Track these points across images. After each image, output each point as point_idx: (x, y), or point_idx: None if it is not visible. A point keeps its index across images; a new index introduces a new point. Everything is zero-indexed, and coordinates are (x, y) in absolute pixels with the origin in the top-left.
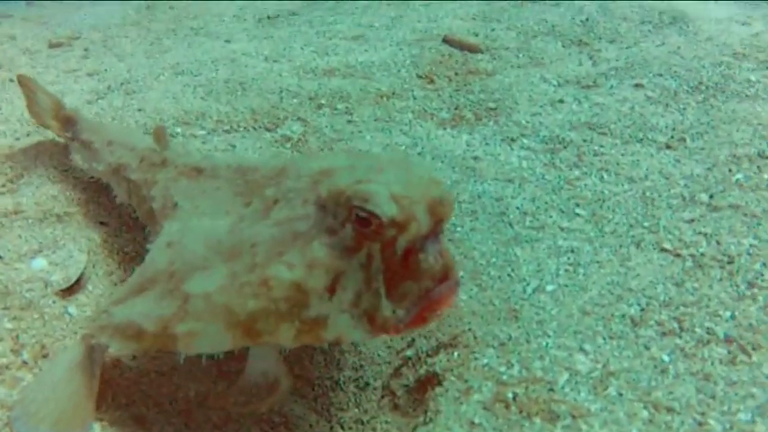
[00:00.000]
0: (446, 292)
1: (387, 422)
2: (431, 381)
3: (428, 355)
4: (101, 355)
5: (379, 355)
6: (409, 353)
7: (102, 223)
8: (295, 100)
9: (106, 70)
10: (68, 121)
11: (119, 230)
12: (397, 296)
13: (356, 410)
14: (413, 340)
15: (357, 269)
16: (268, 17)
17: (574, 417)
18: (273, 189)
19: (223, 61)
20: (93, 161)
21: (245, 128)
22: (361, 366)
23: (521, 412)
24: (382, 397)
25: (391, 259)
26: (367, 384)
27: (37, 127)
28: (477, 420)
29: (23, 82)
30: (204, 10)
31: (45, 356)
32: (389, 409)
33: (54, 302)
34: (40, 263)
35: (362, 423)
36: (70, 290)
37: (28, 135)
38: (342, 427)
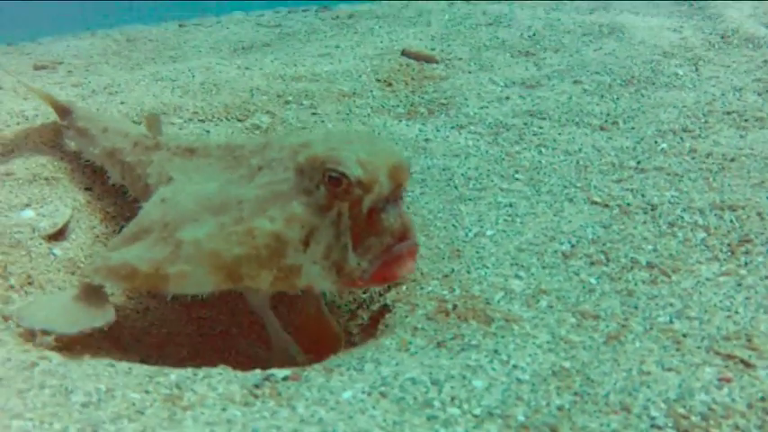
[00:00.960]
0: (406, 251)
1: None
2: (382, 313)
3: (380, 295)
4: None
5: (338, 306)
6: (364, 296)
7: (86, 189)
8: (264, 97)
9: (90, 82)
10: (64, 112)
11: (102, 195)
12: (362, 250)
13: None
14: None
15: (328, 226)
16: (243, 48)
17: (507, 320)
18: (258, 158)
19: (199, 70)
20: (89, 146)
21: (218, 118)
22: None
23: (459, 318)
24: None
25: (357, 217)
26: None
27: (26, 119)
28: (419, 326)
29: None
30: (182, 43)
31: (30, 284)
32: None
33: (40, 244)
34: (28, 213)
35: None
36: (56, 237)
37: (18, 124)
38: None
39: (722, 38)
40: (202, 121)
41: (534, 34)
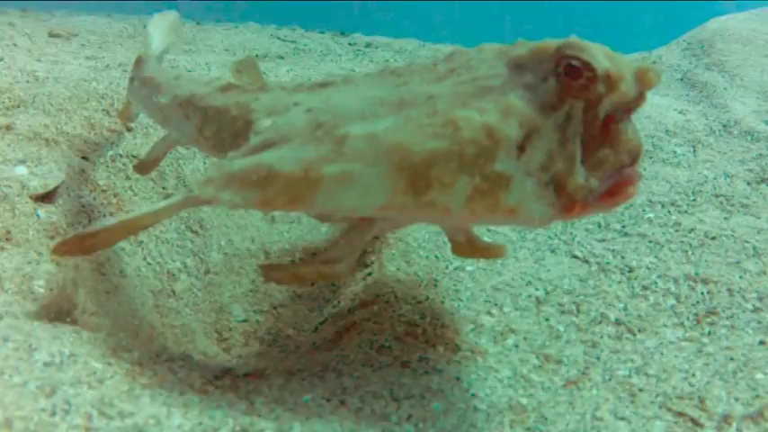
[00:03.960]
0: (635, 177)
1: None
2: (348, 330)
3: (349, 312)
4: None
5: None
6: (332, 311)
7: (83, 158)
8: None
9: (104, 57)
10: (137, 63)
11: (97, 167)
12: (594, 163)
13: None
14: (338, 302)
15: (553, 129)
16: (257, 55)
17: (473, 352)
18: (445, 65)
19: (215, 65)
20: (155, 94)
21: None
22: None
23: (426, 342)
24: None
25: (592, 123)
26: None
27: (36, 79)
28: (386, 345)
29: None
30: (197, 40)
31: (8, 240)
32: None
33: (27, 202)
34: (21, 169)
35: None
36: (43, 198)
37: (27, 82)
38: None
39: (724, 126)
40: None
41: None
